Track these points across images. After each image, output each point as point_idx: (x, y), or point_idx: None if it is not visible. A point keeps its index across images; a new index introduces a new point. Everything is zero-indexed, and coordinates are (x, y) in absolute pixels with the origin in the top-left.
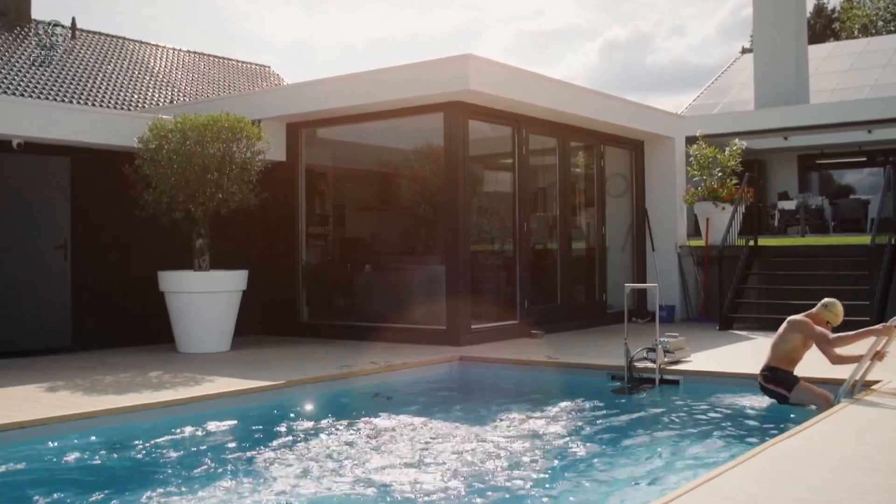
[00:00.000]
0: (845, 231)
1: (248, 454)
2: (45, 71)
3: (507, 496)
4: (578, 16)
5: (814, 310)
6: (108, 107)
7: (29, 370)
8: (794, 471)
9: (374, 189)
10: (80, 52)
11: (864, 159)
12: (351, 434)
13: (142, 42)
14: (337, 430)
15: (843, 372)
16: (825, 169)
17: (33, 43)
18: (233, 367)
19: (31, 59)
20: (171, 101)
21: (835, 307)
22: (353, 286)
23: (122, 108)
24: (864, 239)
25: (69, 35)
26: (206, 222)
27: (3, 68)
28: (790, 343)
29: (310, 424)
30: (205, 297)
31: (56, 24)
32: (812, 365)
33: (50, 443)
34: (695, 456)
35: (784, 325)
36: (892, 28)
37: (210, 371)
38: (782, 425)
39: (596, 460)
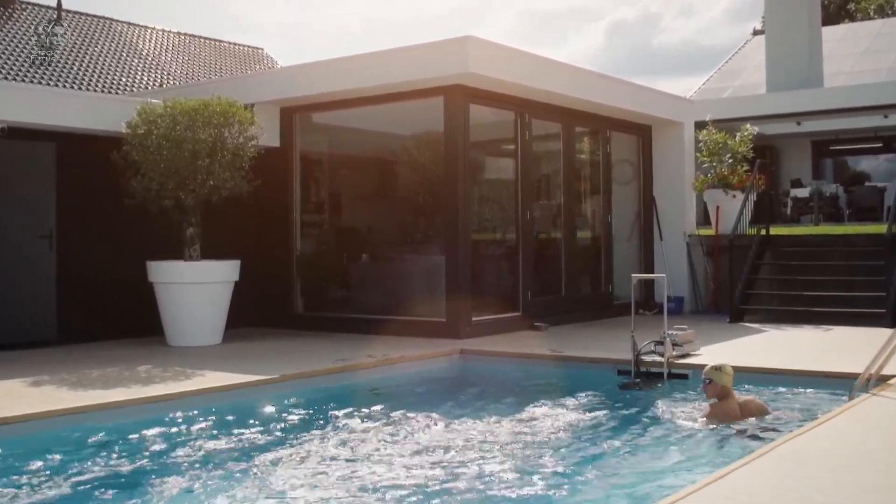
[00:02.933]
0: (860, 220)
1: (241, 451)
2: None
3: (510, 494)
4: None
5: (711, 382)
6: (94, 90)
7: (12, 364)
8: (802, 469)
9: (371, 176)
10: (65, 34)
11: (881, 145)
12: (346, 431)
13: (130, 23)
14: (332, 426)
15: (857, 366)
16: (840, 155)
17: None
18: (224, 360)
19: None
20: (161, 85)
21: (726, 368)
22: (350, 277)
23: (110, 92)
24: (881, 228)
25: (57, 16)
26: (196, 210)
27: None
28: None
29: (304, 420)
30: (196, 289)
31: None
32: (823, 358)
33: (34, 439)
34: (703, 454)
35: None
36: None
37: (201, 365)
38: (794, 420)
39: (601, 457)
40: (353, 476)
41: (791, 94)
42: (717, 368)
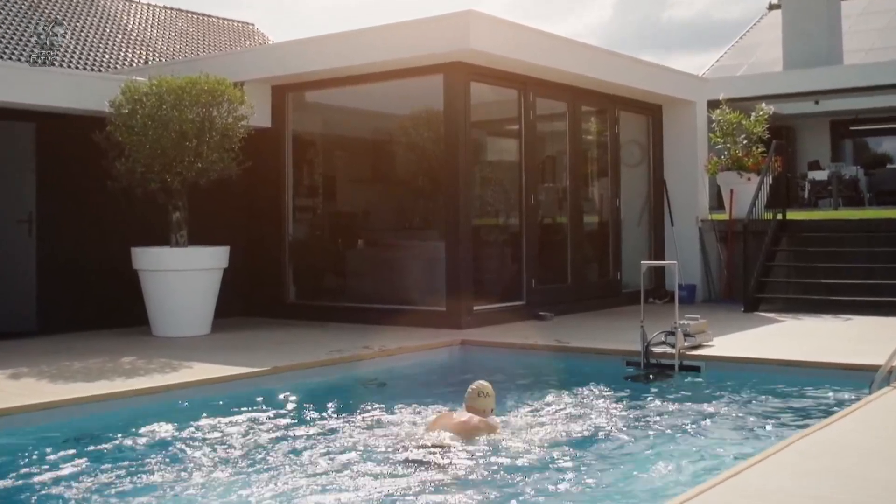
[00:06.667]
0: (882, 204)
1: (230, 447)
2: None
3: (512, 493)
4: None
5: (471, 403)
6: (77, 68)
7: None
8: (818, 466)
9: (367, 158)
10: (46, 8)
11: None
12: (342, 426)
13: None
14: (327, 421)
15: (878, 357)
16: (860, 136)
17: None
18: (213, 352)
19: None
20: (146, 62)
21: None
22: (345, 264)
23: (93, 70)
24: None
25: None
26: (183, 194)
27: None
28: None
29: (297, 415)
30: (183, 276)
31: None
32: (842, 349)
33: (11, 435)
34: (716, 449)
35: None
36: None
37: (188, 357)
38: (811, 415)
39: (608, 454)
40: (348, 474)
41: (809, 72)
42: (486, 395)
